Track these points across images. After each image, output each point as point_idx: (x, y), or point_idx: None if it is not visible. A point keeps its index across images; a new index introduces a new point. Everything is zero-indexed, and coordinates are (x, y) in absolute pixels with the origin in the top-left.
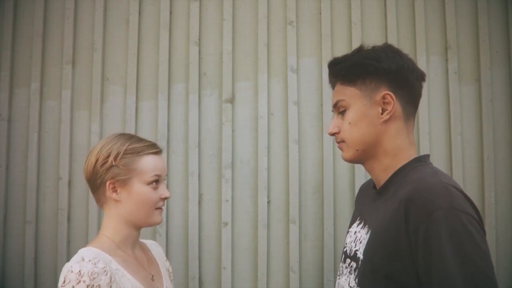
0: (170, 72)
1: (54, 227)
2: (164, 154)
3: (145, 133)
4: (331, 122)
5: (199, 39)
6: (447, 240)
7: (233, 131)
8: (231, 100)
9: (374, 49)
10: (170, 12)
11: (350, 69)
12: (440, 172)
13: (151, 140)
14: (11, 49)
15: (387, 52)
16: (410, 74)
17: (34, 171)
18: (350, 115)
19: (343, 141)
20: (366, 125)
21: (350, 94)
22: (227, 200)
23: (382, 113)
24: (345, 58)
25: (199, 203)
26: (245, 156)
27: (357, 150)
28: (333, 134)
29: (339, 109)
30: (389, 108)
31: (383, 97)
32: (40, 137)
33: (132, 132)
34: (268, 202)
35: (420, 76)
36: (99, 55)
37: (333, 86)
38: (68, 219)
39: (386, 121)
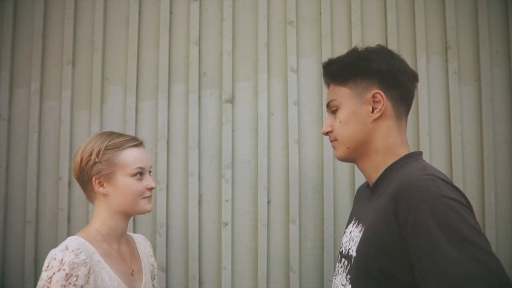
0: (170, 72)
1: (54, 227)
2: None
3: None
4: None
5: (199, 39)
6: (437, 227)
7: (233, 131)
8: (231, 100)
9: (367, 50)
10: (170, 12)
11: (341, 70)
12: (429, 166)
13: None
14: (11, 49)
15: (379, 53)
16: (401, 74)
17: (34, 171)
18: (341, 114)
19: (335, 140)
20: (357, 123)
21: (342, 93)
22: (227, 200)
23: (372, 112)
24: (338, 59)
25: (199, 203)
26: (245, 156)
27: (348, 148)
28: (326, 133)
29: (332, 109)
30: (379, 106)
31: (373, 96)
32: (40, 137)
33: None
34: (268, 202)
35: (413, 77)
36: (99, 55)
37: (328, 86)
38: (68, 219)
39: (376, 120)
